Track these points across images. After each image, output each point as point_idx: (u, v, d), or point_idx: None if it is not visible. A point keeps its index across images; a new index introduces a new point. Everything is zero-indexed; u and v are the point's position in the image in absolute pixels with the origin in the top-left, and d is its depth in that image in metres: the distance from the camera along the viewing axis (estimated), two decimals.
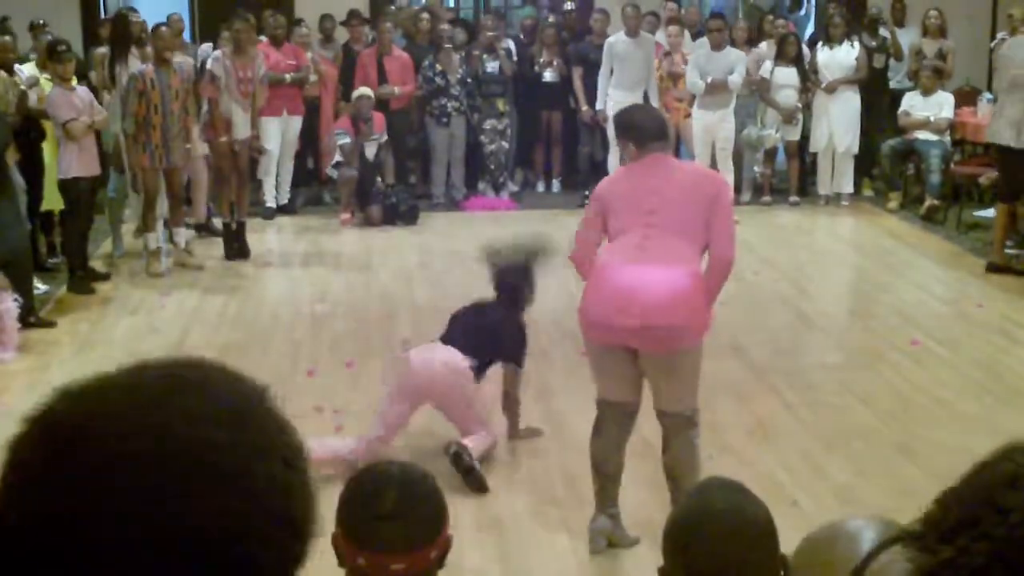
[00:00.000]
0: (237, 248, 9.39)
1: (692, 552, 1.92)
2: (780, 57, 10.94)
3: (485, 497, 5.04)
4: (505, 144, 11.42)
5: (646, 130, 4.46)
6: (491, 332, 5.40)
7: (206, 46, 10.91)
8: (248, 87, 9.39)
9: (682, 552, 1.93)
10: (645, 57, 10.79)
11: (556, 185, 11.98)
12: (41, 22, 10.08)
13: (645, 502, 4.87)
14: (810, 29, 13.83)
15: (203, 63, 10.00)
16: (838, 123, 10.92)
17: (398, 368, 5.29)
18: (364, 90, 10.55)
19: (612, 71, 10.79)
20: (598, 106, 10.90)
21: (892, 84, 11.52)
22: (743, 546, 1.90)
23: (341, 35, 11.72)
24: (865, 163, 11.37)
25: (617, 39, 10.81)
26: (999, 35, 11.46)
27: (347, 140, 10.40)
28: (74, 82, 8.45)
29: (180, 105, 8.69)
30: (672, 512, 1.99)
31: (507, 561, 4.53)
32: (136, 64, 8.90)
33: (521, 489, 5.15)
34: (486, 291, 5.69)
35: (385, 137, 10.67)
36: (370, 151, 10.51)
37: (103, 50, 9.74)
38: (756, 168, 11.50)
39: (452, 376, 5.21)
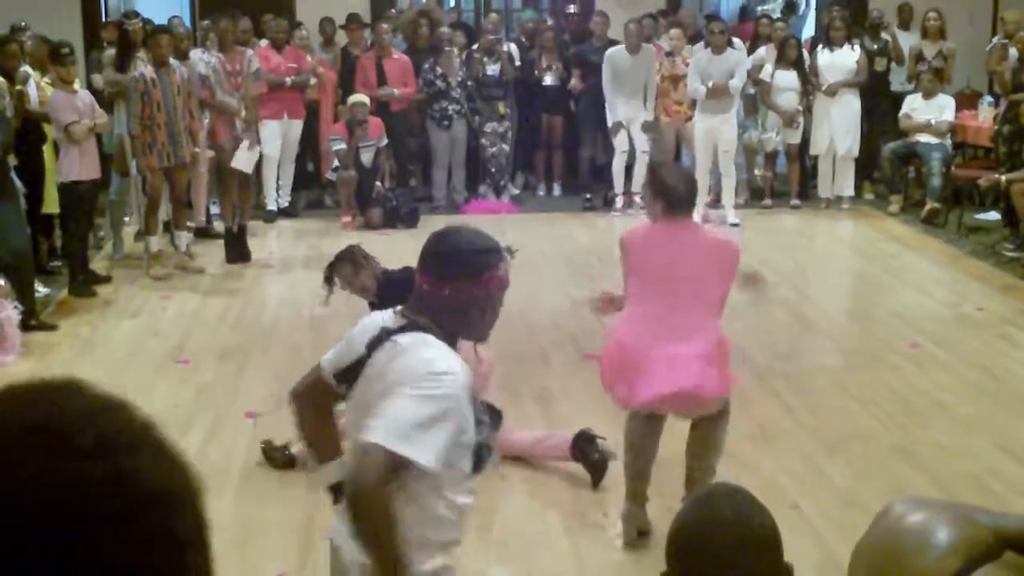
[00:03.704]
0: (238, 251, 9.41)
1: (697, 560, 1.92)
2: (781, 60, 10.95)
3: (485, 498, 5.04)
4: (506, 147, 11.43)
5: (679, 194, 4.49)
6: None
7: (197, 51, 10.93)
8: (238, 80, 9.56)
9: (687, 559, 1.93)
10: (645, 70, 10.81)
11: (557, 188, 11.99)
12: (23, 24, 10.04)
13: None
14: (808, 32, 13.84)
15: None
16: (839, 126, 10.93)
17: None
18: (359, 97, 10.57)
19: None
20: (610, 119, 10.90)
21: (893, 87, 11.52)
22: (749, 556, 1.90)
23: (341, 39, 11.73)
24: (866, 166, 11.38)
25: (618, 52, 10.78)
26: (994, 39, 11.47)
27: (342, 146, 10.41)
28: (76, 84, 8.47)
29: (183, 101, 8.74)
30: (678, 518, 1.99)
31: (508, 563, 4.53)
32: (140, 66, 8.95)
33: (522, 491, 5.15)
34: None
35: (384, 142, 10.67)
36: (367, 156, 10.52)
37: (110, 52, 9.77)
38: (757, 171, 11.51)
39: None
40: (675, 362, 4.30)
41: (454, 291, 2.66)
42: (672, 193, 4.46)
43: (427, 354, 2.59)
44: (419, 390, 2.52)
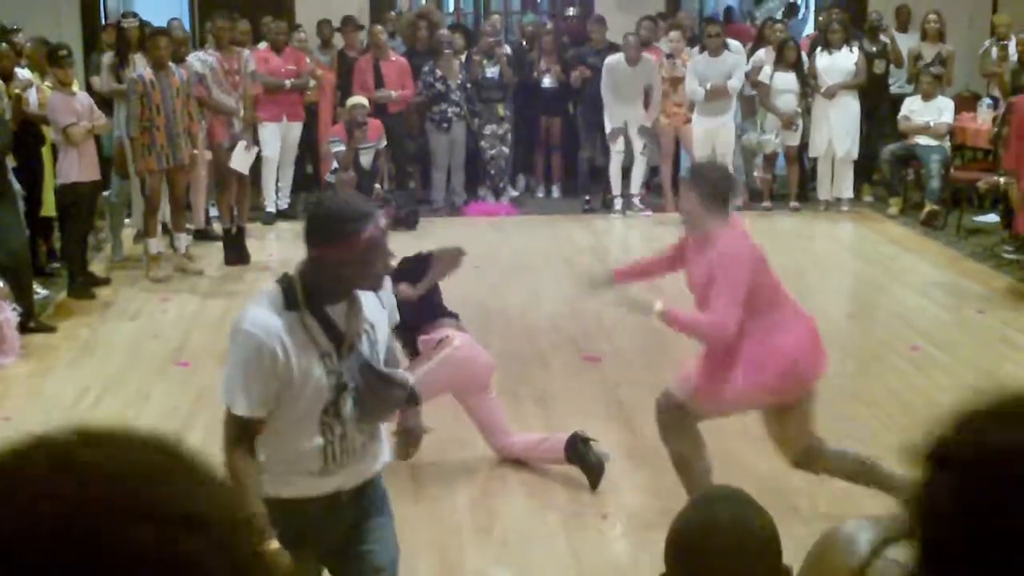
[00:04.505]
0: (237, 253, 9.41)
1: (696, 562, 1.92)
2: (779, 62, 10.95)
3: (485, 500, 5.04)
4: (505, 149, 11.43)
5: (731, 181, 4.78)
6: None
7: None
8: (235, 78, 9.60)
9: (686, 561, 1.93)
10: (645, 79, 10.81)
11: (556, 190, 12.00)
12: (14, 27, 10.03)
13: (645, 507, 4.88)
14: (807, 34, 13.85)
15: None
16: (838, 128, 10.93)
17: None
18: (358, 99, 10.57)
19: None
20: (608, 125, 10.90)
21: (893, 89, 11.53)
22: (748, 558, 1.90)
23: (339, 41, 11.73)
24: (865, 168, 11.38)
25: (618, 62, 10.75)
26: (986, 43, 11.48)
27: (341, 148, 10.40)
28: (75, 87, 8.46)
29: (182, 103, 8.74)
30: (677, 520, 1.98)
31: (506, 564, 4.53)
32: (138, 67, 8.95)
33: (521, 492, 5.15)
34: (486, 297, 5.68)
35: (383, 144, 10.66)
36: (366, 159, 10.50)
37: (109, 55, 9.76)
38: (756, 173, 11.51)
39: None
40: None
41: (323, 254, 2.90)
42: (727, 183, 4.64)
43: (242, 311, 2.97)
44: (231, 345, 2.93)
